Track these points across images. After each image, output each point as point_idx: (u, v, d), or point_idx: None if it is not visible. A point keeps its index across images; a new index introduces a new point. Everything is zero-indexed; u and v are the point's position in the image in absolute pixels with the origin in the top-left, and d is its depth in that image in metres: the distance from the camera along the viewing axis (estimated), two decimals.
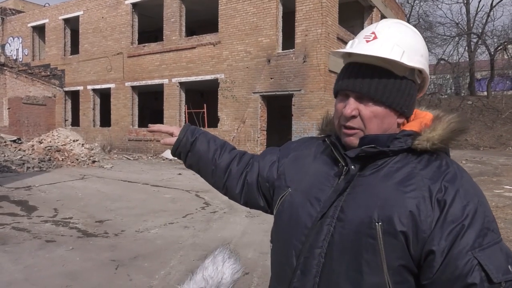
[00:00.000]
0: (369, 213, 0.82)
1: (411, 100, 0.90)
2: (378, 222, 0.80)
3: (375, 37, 0.88)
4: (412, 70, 0.88)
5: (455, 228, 0.77)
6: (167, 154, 15.77)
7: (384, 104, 0.87)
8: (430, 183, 0.81)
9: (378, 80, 0.86)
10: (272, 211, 1.08)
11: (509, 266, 0.75)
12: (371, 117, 0.87)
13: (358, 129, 0.89)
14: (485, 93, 27.64)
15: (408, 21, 30.59)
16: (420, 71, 0.90)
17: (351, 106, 0.88)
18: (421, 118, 0.92)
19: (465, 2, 30.30)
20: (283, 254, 0.93)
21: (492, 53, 28.16)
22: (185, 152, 1.19)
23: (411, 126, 0.91)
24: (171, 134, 1.21)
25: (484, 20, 28.89)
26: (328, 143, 0.97)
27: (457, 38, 30.02)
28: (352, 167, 0.88)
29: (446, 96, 29.97)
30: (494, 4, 28.46)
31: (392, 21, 0.92)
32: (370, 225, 0.81)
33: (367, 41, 0.88)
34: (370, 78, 0.86)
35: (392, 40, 0.87)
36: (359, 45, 0.90)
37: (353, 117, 0.88)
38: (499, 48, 28.15)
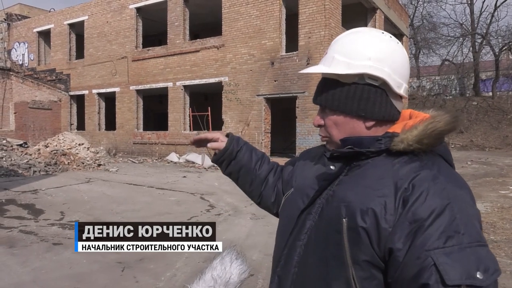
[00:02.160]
0: (339, 210, 0.86)
1: (369, 103, 0.90)
2: (344, 218, 0.84)
3: (326, 53, 0.97)
4: (361, 76, 0.90)
5: (415, 228, 0.76)
6: (172, 157, 15.83)
7: (337, 112, 0.94)
8: (398, 181, 0.82)
9: (327, 91, 0.95)
10: None
11: (478, 272, 0.72)
12: (331, 125, 0.96)
13: (326, 137, 0.99)
14: (490, 93, 27.51)
15: (411, 22, 30.57)
16: (373, 76, 0.90)
17: (316, 117, 1.01)
18: (407, 120, 0.93)
19: (469, 2, 30.22)
20: (278, 247, 1.01)
21: (497, 53, 28.04)
22: (229, 160, 1.23)
23: (395, 128, 0.92)
24: (216, 140, 1.24)
25: (489, 21, 28.82)
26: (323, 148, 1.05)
27: (461, 38, 29.94)
28: (331, 167, 0.95)
29: (450, 97, 29.86)
30: (498, 5, 28.38)
31: (344, 33, 0.98)
32: (338, 221, 0.85)
33: (322, 58, 0.99)
34: (322, 89, 0.97)
35: (332, 53, 0.94)
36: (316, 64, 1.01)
37: (320, 126, 1.00)
38: (503, 48, 28.05)
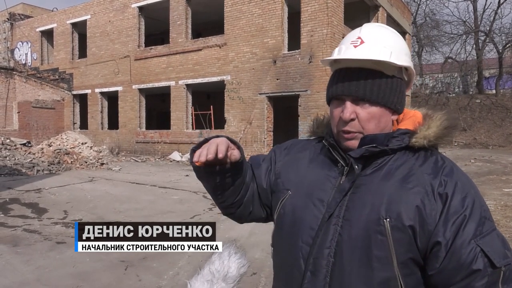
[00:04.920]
0: (376, 211, 0.84)
1: (403, 96, 0.95)
2: (386, 219, 0.83)
3: (362, 42, 0.91)
4: (399, 69, 0.92)
5: (458, 219, 0.81)
6: (175, 156, 15.86)
7: (380, 104, 0.90)
8: (430, 178, 0.85)
9: (372, 82, 0.89)
10: (273, 218, 1.07)
11: (506, 251, 0.80)
12: (368, 119, 0.90)
13: (357, 132, 0.91)
14: (494, 91, 27.35)
15: (414, 20, 30.44)
16: (406, 69, 0.94)
17: (349, 109, 0.90)
18: (413, 117, 0.96)
19: (472, 0, 30.05)
20: (290, 256, 0.94)
21: (500, 51, 27.87)
22: (239, 171, 0.99)
23: (406, 125, 0.94)
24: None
25: (492, 18, 28.64)
26: (326, 144, 0.98)
27: (464, 36, 29.80)
28: (356, 167, 0.89)
29: (454, 94, 29.73)
30: (501, 2, 28.20)
31: (374, 25, 0.97)
32: (378, 222, 0.84)
33: (355, 46, 0.91)
34: (364, 80, 0.89)
35: (379, 43, 0.91)
36: (348, 51, 0.92)
37: (352, 120, 0.90)
38: (507, 45, 27.86)
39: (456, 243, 0.80)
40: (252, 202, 1.08)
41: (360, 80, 0.89)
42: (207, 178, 0.99)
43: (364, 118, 0.90)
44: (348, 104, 0.90)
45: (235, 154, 0.92)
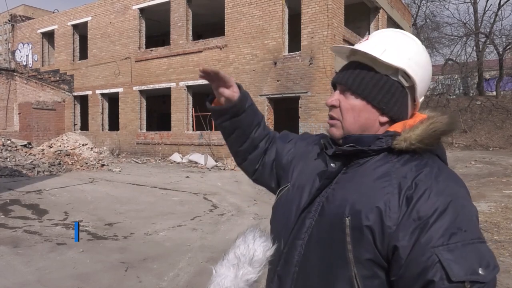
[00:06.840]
0: (342, 208, 0.85)
1: (392, 98, 0.91)
2: (347, 217, 0.84)
3: (367, 39, 0.96)
4: (395, 70, 0.91)
5: (420, 225, 0.77)
6: (175, 157, 15.86)
7: (361, 97, 0.92)
8: (402, 180, 0.83)
9: (357, 73, 0.93)
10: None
11: (480, 269, 0.73)
12: (348, 109, 0.93)
13: (337, 119, 0.95)
14: (494, 93, 27.33)
15: (415, 22, 30.49)
16: (407, 75, 0.91)
17: (334, 96, 0.96)
18: (409, 119, 0.94)
19: (473, 1, 30.06)
20: (276, 244, 0.97)
21: (501, 52, 27.86)
22: (231, 116, 1.10)
23: (395, 127, 0.92)
24: (226, 85, 1.08)
25: (492, 20, 28.63)
26: (323, 142, 1.02)
27: (464, 38, 29.77)
28: (332, 165, 0.93)
29: (454, 96, 29.73)
30: (502, 3, 28.22)
31: (390, 29, 0.99)
32: (341, 220, 0.84)
33: (360, 42, 0.96)
34: (352, 70, 0.94)
35: (378, 41, 0.93)
36: (354, 46, 0.98)
37: (334, 106, 0.96)
38: (507, 47, 27.87)
39: (415, 250, 0.76)
40: (261, 163, 1.18)
41: (349, 70, 0.95)
42: (215, 118, 1.14)
43: (343, 107, 0.94)
44: (336, 92, 0.97)
45: (226, 93, 1.07)
